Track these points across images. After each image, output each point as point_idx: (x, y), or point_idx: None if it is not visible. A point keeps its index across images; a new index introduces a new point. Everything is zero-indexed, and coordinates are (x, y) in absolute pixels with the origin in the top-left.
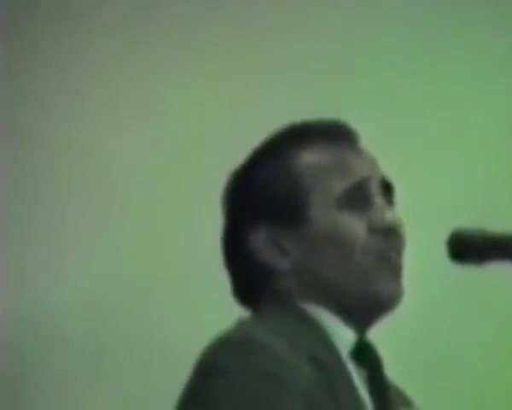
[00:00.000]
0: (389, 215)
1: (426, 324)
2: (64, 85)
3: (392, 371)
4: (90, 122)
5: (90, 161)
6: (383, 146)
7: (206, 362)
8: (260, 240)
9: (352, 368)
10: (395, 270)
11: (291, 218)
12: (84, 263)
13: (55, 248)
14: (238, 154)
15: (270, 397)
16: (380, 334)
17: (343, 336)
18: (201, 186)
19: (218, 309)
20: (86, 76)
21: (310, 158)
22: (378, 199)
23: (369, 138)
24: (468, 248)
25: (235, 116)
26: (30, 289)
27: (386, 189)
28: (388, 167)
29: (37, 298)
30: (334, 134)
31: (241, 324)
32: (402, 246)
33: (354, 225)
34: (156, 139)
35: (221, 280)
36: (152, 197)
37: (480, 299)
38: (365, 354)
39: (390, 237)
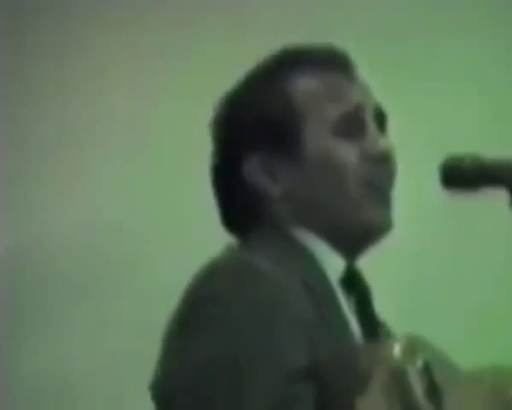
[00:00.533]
0: (382, 144)
1: (419, 252)
2: None
3: (386, 302)
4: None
5: (89, 103)
6: (377, 74)
7: (198, 288)
8: (252, 166)
9: (341, 296)
10: (385, 199)
11: (284, 144)
12: (81, 201)
13: (55, 184)
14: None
15: (266, 323)
16: (373, 264)
17: (333, 263)
18: (194, 127)
19: (207, 238)
20: None
21: (304, 83)
22: (372, 127)
23: (362, 67)
24: (461, 174)
25: (229, 49)
26: (30, 224)
27: (380, 118)
28: (382, 96)
29: (37, 232)
30: (329, 60)
31: (231, 250)
32: (393, 175)
33: (347, 152)
34: (155, 82)
35: (211, 210)
36: (145, 138)
37: (474, 226)
38: (354, 282)
39: (382, 165)
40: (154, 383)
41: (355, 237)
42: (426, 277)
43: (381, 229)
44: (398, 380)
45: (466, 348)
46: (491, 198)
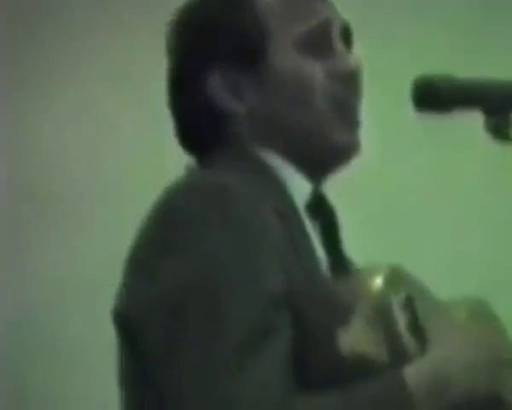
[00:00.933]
0: (351, 62)
1: (391, 176)
2: None
3: (354, 231)
4: None
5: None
6: None
7: (173, 209)
8: (214, 83)
9: (307, 222)
10: (354, 119)
11: (249, 59)
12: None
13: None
14: None
15: (247, 247)
16: (341, 191)
17: (299, 187)
18: None
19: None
20: None
21: None
22: (339, 45)
23: None
24: (433, 95)
25: None
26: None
27: (346, 35)
28: (352, 17)
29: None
30: None
31: (197, 171)
32: (361, 94)
33: (315, 70)
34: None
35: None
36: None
37: (448, 150)
38: (320, 208)
39: (350, 84)
40: (118, 308)
41: (322, 159)
42: (397, 203)
43: (349, 150)
44: (382, 313)
45: (440, 281)
46: (466, 120)
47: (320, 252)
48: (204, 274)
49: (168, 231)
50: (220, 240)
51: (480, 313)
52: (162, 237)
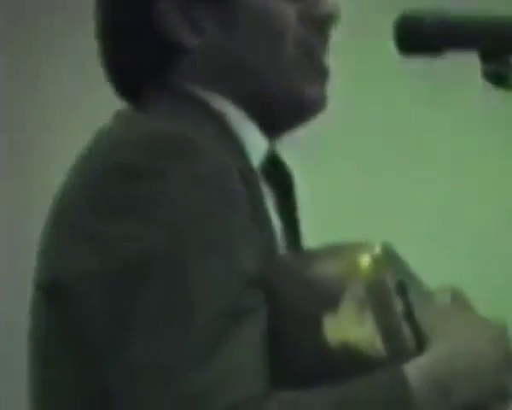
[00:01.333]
0: (328, 4)
1: (362, 130)
2: None
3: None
4: None
5: None
6: None
7: (133, 163)
8: (168, 9)
9: (263, 186)
10: (325, 70)
11: None
12: None
13: None
14: None
15: (218, 214)
16: (300, 149)
17: (255, 143)
18: None
19: None
20: None
21: None
22: None
23: None
24: (420, 33)
25: None
26: None
27: None
28: None
29: None
30: None
31: (137, 117)
32: (329, 43)
33: (288, 12)
34: None
35: None
36: None
37: (434, 93)
38: (275, 171)
39: (325, 30)
40: (45, 275)
41: (286, 112)
42: (369, 166)
43: (319, 104)
44: (376, 297)
45: (424, 260)
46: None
47: (276, 223)
48: (168, 243)
49: (119, 189)
50: (187, 202)
51: (464, 303)
52: (110, 195)
